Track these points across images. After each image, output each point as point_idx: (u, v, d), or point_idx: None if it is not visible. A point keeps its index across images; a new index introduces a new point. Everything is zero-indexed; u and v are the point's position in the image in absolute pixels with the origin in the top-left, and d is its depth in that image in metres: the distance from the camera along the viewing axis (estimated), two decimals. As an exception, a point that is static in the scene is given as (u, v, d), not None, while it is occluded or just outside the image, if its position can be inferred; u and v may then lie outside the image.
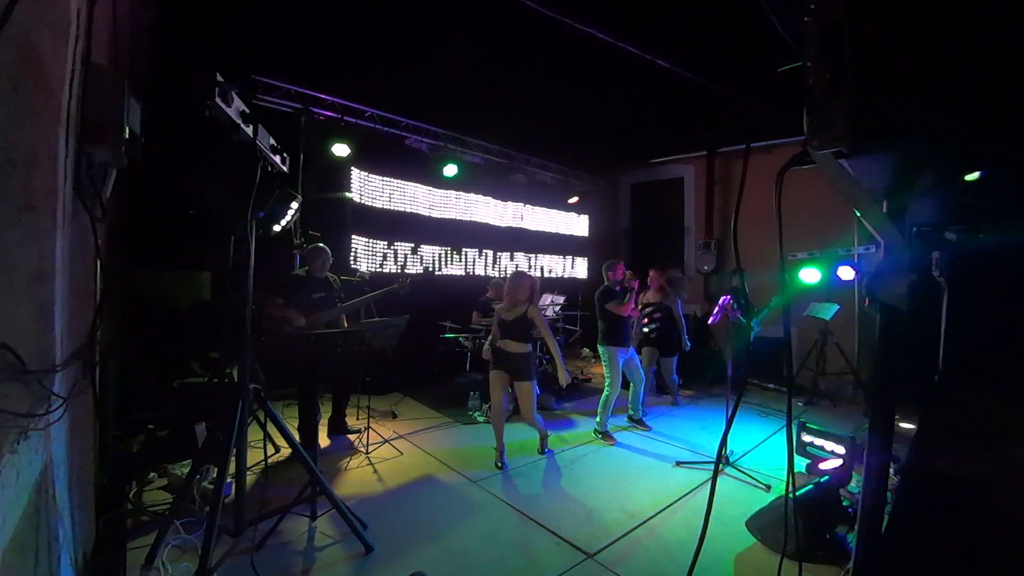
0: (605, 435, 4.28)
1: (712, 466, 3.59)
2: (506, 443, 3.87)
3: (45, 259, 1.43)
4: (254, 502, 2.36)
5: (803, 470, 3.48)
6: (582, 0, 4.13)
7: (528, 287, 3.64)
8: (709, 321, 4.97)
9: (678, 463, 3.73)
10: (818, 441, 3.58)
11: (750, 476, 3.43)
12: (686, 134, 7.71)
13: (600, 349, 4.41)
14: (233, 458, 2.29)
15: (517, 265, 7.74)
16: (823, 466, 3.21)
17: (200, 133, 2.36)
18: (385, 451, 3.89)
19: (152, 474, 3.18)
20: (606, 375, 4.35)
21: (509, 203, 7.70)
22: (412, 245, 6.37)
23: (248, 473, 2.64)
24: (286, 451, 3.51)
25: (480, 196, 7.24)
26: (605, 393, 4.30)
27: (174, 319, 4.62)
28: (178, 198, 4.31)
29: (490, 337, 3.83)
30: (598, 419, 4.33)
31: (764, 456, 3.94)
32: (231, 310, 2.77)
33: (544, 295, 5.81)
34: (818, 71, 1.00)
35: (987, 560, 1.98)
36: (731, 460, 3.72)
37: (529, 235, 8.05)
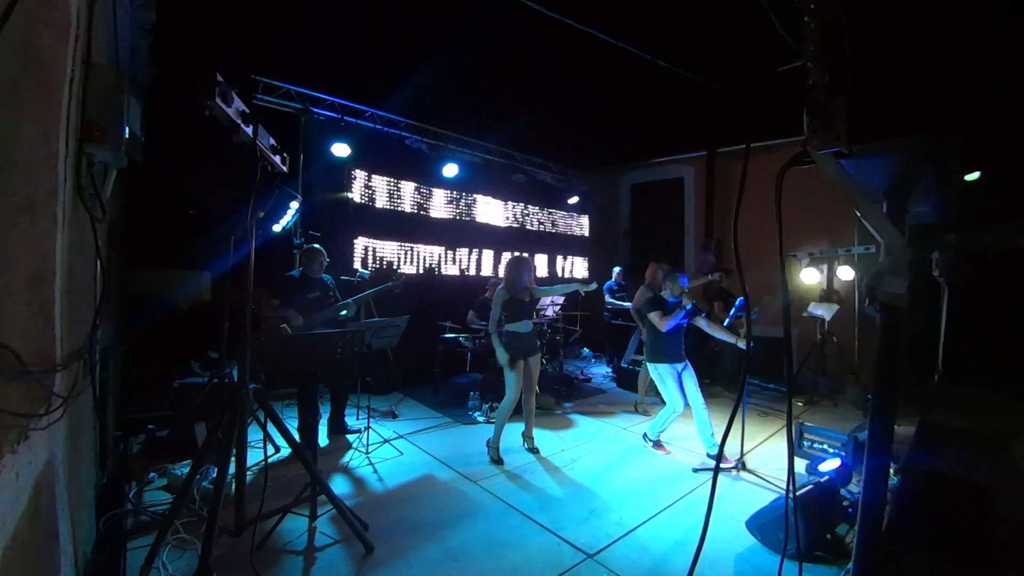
0: (656, 444, 4.05)
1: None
2: (507, 444, 3.89)
3: (45, 259, 1.43)
4: (254, 502, 2.35)
5: (803, 471, 3.49)
6: (583, 0, 4.13)
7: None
8: (724, 323, 4.97)
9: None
10: (818, 442, 3.60)
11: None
12: (686, 134, 7.72)
13: (649, 368, 4.00)
14: (233, 458, 2.29)
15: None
16: (823, 467, 3.22)
17: (200, 133, 2.36)
18: (385, 451, 3.89)
19: (152, 474, 3.17)
20: (664, 395, 3.90)
21: (509, 203, 7.70)
22: (412, 245, 6.37)
23: (248, 473, 2.64)
24: (286, 451, 3.51)
25: (480, 196, 7.24)
26: (666, 409, 3.90)
27: (174, 319, 4.62)
28: (178, 198, 4.32)
29: (507, 328, 3.76)
30: (650, 426, 4.08)
31: (764, 456, 3.94)
32: (231, 310, 2.77)
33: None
34: (818, 71, 1.01)
35: (985, 559, 1.98)
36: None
37: (529, 235, 8.05)
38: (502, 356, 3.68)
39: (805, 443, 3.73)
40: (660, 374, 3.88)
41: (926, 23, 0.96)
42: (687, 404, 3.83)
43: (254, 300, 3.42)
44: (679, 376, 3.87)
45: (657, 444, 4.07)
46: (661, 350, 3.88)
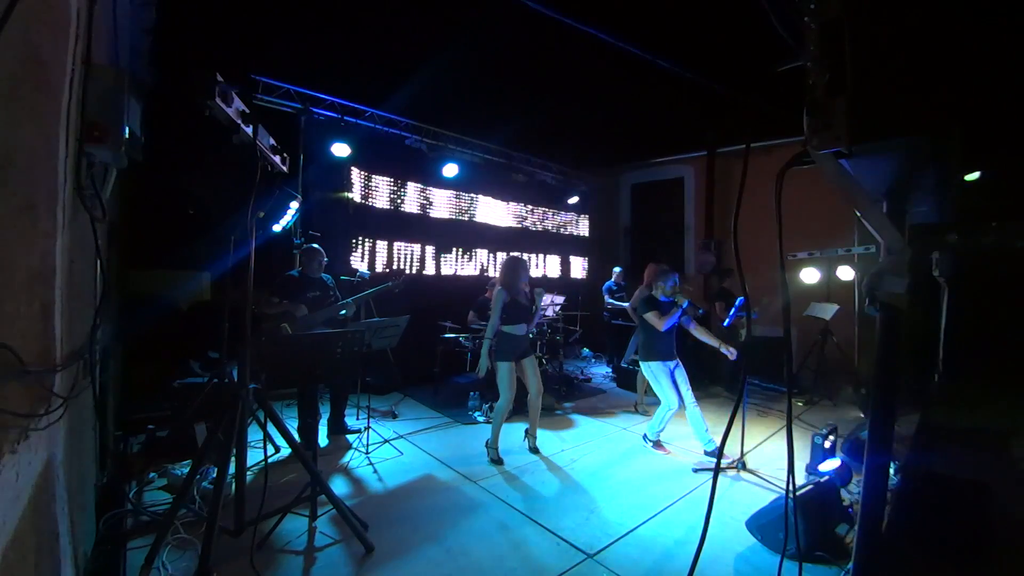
0: (656, 444, 4.05)
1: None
2: (508, 443, 3.91)
3: (45, 259, 1.43)
4: (254, 502, 2.36)
5: (803, 470, 3.49)
6: (583, 0, 4.13)
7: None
8: (725, 323, 4.97)
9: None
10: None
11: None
12: (686, 134, 7.72)
13: (643, 367, 4.06)
14: (233, 458, 2.29)
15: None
16: (823, 467, 3.22)
17: (200, 133, 2.36)
18: (385, 451, 3.89)
19: (152, 474, 3.17)
20: (658, 394, 3.96)
21: (509, 203, 7.70)
22: (412, 245, 6.37)
23: (248, 473, 2.64)
24: (286, 451, 3.52)
25: (480, 196, 7.24)
26: (662, 408, 3.95)
27: (174, 319, 4.62)
28: (178, 198, 4.32)
29: (501, 328, 3.75)
30: (649, 426, 4.09)
31: (764, 456, 3.94)
32: (231, 310, 2.78)
33: (544, 295, 5.80)
34: (818, 71, 1.01)
35: (985, 559, 1.98)
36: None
37: (529, 235, 8.05)
38: (483, 366, 3.72)
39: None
40: (653, 372, 3.94)
41: (927, 22, 0.95)
42: (682, 401, 3.86)
43: (254, 300, 3.43)
44: (672, 373, 3.92)
45: (657, 444, 4.06)
46: (654, 348, 3.94)
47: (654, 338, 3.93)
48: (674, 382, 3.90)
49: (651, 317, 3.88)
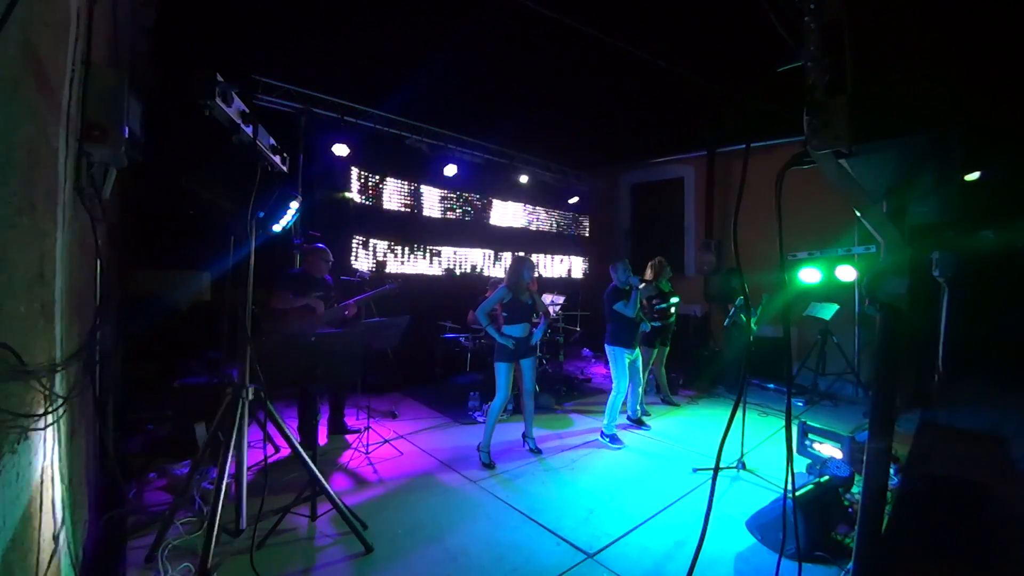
0: (612, 438, 4.17)
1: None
2: (507, 443, 3.89)
3: (45, 259, 1.43)
4: (254, 502, 2.36)
5: (803, 470, 3.49)
6: (583, 0, 4.13)
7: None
8: (724, 323, 5.01)
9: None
10: (818, 442, 3.59)
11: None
12: (686, 134, 7.71)
13: (607, 349, 4.35)
14: (233, 458, 2.29)
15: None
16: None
17: (200, 133, 2.36)
18: (385, 451, 3.89)
19: (152, 474, 3.17)
20: (613, 377, 4.27)
21: (509, 203, 7.70)
22: (412, 245, 6.37)
23: (248, 473, 2.64)
24: (286, 451, 3.51)
25: (480, 196, 7.23)
26: (612, 395, 4.20)
27: (174, 319, 4.62)
28: (178, 198, 4.31)
29: (507, 327, 3.79)
30: (605, 422, 4.21)
31: (764, 456, 3.94)
32: (231, 309, 2.78)
33: (544, 295, 5.81)
34: (818, 71, 1.01)
35: (986, 559, 1.98)
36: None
37: (529, 235, 8.05)
38: (505, 341, 3.72)
39: (807, 442, 3.71)
40: (615, 355, 4.31)
41: (928, 21, 0.95)
42: (630, 386, 4.45)
43: (264, 296, 3.40)
44: (631, 362, 4.42)
45: (613, 438, 4.15)
46: (618, 336, 4.35)
47: (619, 327, 4.33)
48: (629, 369, 4.38)
49: (620, 307, 4.31)
